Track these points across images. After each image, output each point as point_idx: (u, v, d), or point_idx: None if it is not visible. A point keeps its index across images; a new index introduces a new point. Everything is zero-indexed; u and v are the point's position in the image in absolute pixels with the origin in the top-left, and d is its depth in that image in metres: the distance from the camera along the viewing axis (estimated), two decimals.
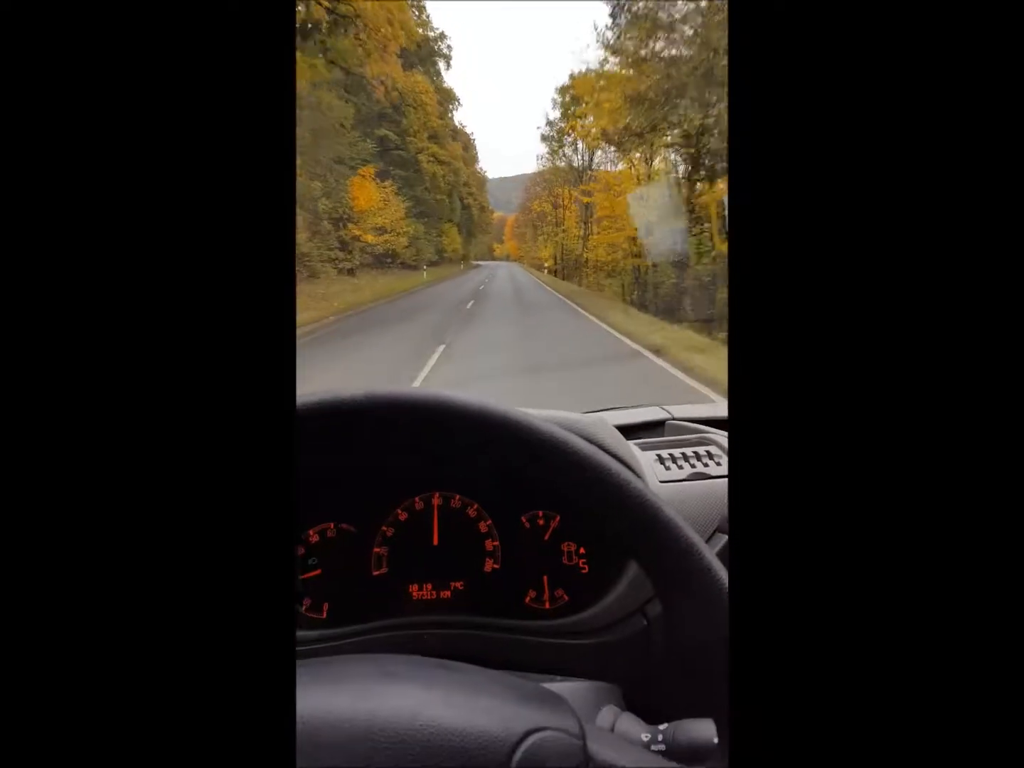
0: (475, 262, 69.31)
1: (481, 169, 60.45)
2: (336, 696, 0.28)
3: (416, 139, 28.53)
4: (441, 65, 32.01)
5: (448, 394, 0.34)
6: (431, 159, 29.36)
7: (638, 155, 16.19)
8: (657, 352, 6.73)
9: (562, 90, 28.84)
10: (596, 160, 29.47)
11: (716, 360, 5.70)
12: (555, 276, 35.27)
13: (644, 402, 0.99)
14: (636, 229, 13.07)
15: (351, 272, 19.94)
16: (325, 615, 0.58)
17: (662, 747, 0.34)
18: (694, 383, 5.18)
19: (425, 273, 26.78)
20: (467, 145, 49.53)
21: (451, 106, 33.41)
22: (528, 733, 0.27)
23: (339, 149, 18.69)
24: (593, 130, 20.81)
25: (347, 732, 0.26)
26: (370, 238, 20.57)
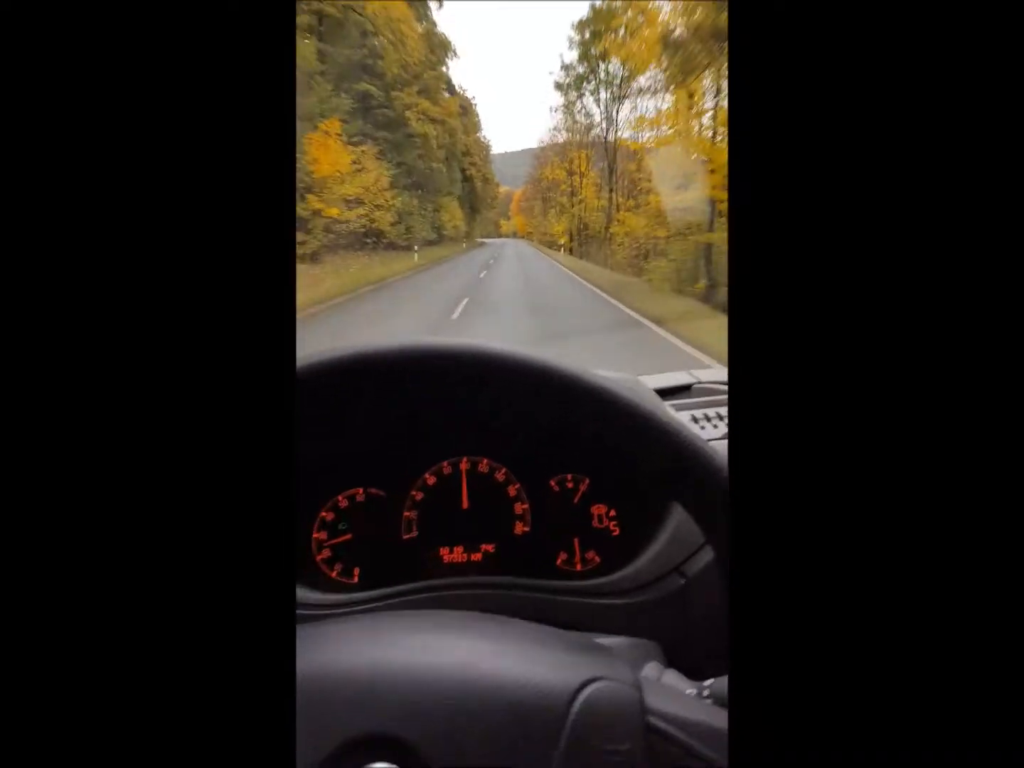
0: (480, 239, 64.30)
1: (484, 138, 54.90)
2: (393, 649, 0.28)
3: (403, 94, 23.44)
4: (433, 5, 26.69)
5: (489, 344, 0.33)
6: (421, 117, 24.24)
7: (706, 81, 11.23)
8: None
9: (580, 25, 23.61)
10: (623, 114, 24.25)
11: None
12: (571, 255, 30.23)
13: None
14: (717, 188, 8.38)
15: (313, 257, 15.26)
16: (356, 579, 0.58)
17: (708, 702, 0.33)
18: None
19: (417, 255, 22.01)
20: (467, 108, 44.07)
21: (445, 56, 28.06)
22: (585, 683, 0.27)
23: (308, 105, 14.09)
24: (641, 40, 15.02)
25: (406, 685, 0.26)
26: (335, 212, 15.77)
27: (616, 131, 23.55)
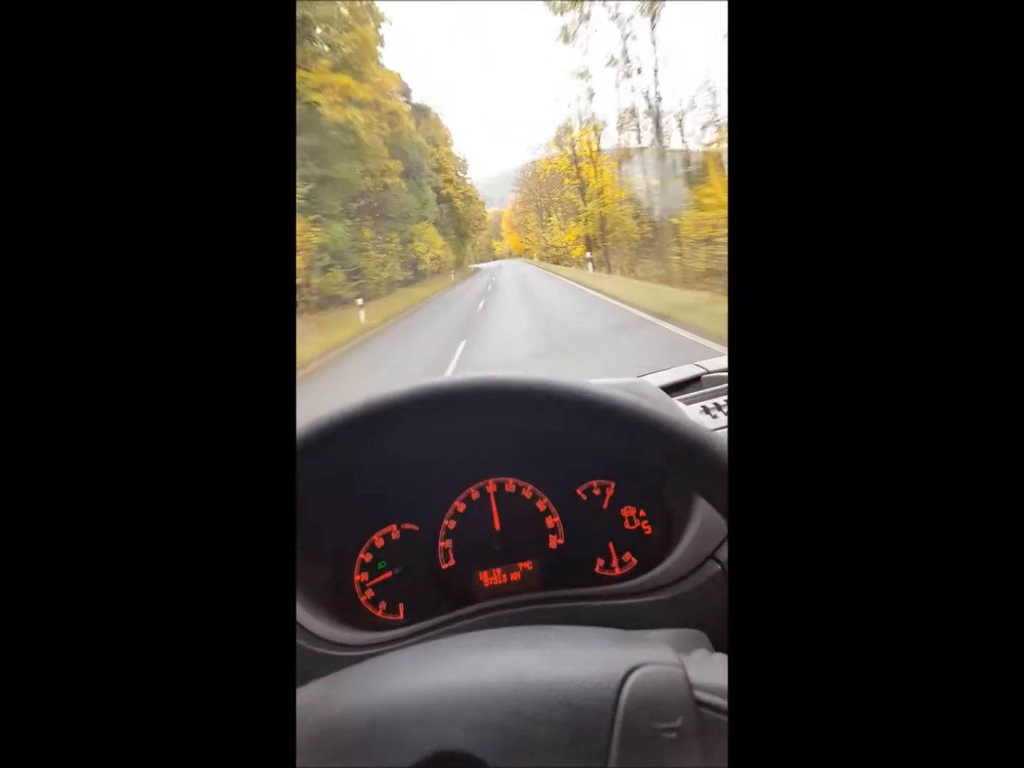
0: (474, 266, 56.09)
1: (459, 153, 46.64)
2: (443, 674, 0.29)
3: (311, 73, 14.99)
4: None
5: (490, 374, 0.34)
6: (338, 100, 15.65)
7: None
8: None
9: None
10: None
11: None
12: (606, 271, 21.31)
13: None
14: None
15: None
16: (402, 615, 0.59)
17: None
18: None
19: (363, 312, 13.34)
20: (424, 110, 35.83)
21: (374, 21, 19.58)
22: (630, 671, 0.28)
23: None
24: None
25: (464, 701, 0.27)
26: None
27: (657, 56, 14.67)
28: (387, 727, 0.27)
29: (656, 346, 5.95)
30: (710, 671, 0.30)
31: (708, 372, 0.90)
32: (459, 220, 40.49)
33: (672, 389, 0.87)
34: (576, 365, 5.29)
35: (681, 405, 0.74)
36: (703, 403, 0.76)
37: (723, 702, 0.28)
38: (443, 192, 35.02)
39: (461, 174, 42.42)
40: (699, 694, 0.28)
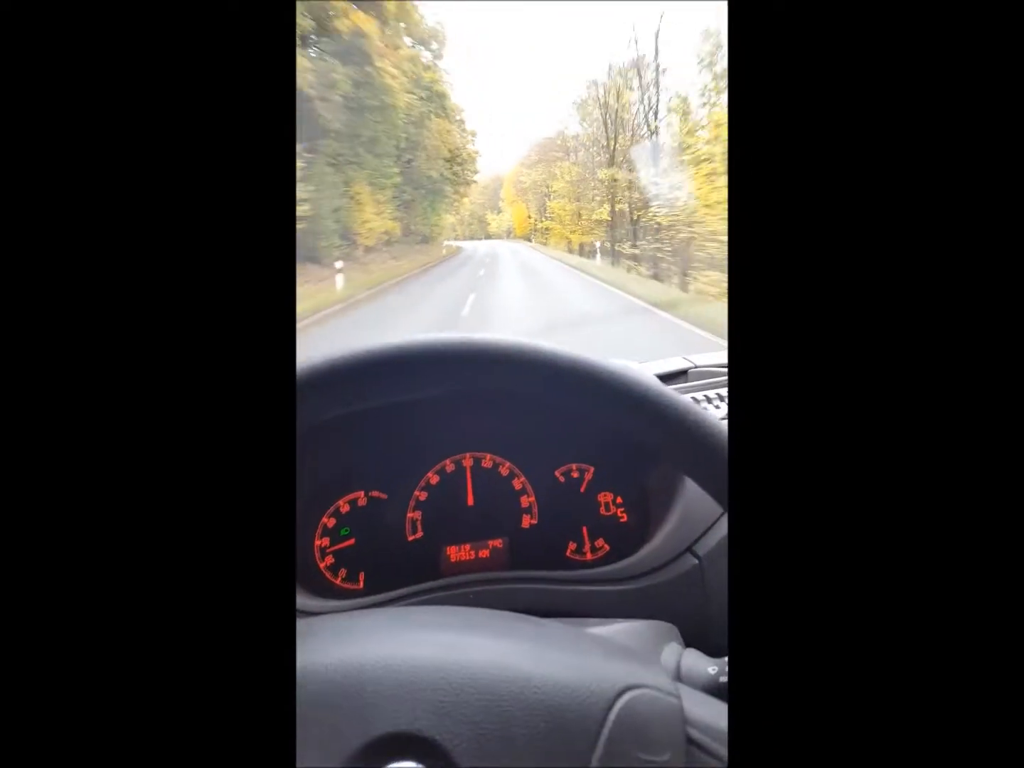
0: (454, 243, 42.62)
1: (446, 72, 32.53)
2: (420, 646, 0.28)
3: None
4: None
5: (486, 336, 0.33)
6: None
7: None
8: None
9: None
10: None
11: None
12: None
13: None
14: None
15: None
16: (362, 585, 0.58)
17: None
18: None
19: None
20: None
21: None
22: (624, 690, 0.26)
23: None
24: None
25: (431, 685, 0.25)
26: None
27: None
28: (349, 695, 0.25)
29: None
30: (709, 708, 0.28)
31: (696, 367, 0.89)
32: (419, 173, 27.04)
33: (660, 380, 0.86)
34: None
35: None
36: (693, 395, 0.73)
37: (719, 747, 0.26)
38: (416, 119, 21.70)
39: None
40: (693, 732, 0.27)
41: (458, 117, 29.93)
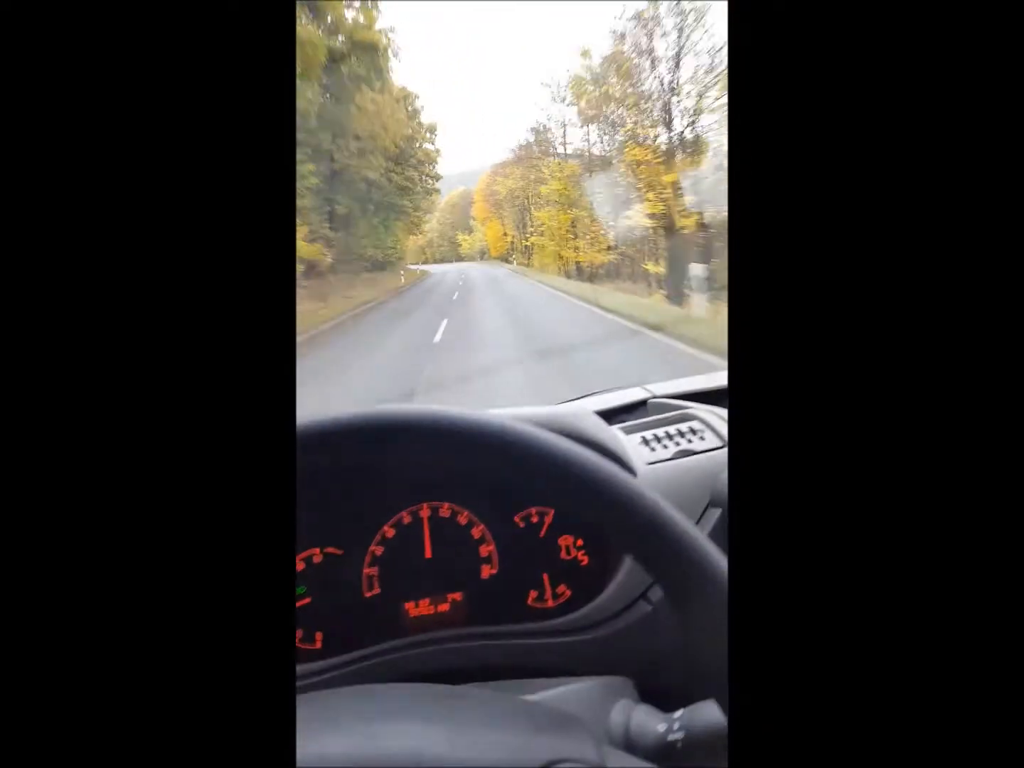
0: (417, 267, 35.96)
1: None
2: (334, 739, 0.27)
3: None
4: None
5: (441, 411, 0.32)
6: None
7: None
8: None
9: None
10: None
11: None
12: None
13: None
14: None
15: None
16: (320, 645, 0.56)
17: (680, 735, 0.33)
18: None
19: None
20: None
21: None
22: (546, 767, 0.26)
23: None
24: None
25: None
26: None
27: None
28: None
29: None
30: None
31: (654, 396, 0.87)
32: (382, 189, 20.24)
33: (613, 414, 0.83)
34: None
35: (620, 434, 0.69)
36: (643, 433, 0.71)
37: None
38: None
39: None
40: None
41: (410, 105, 23.33)
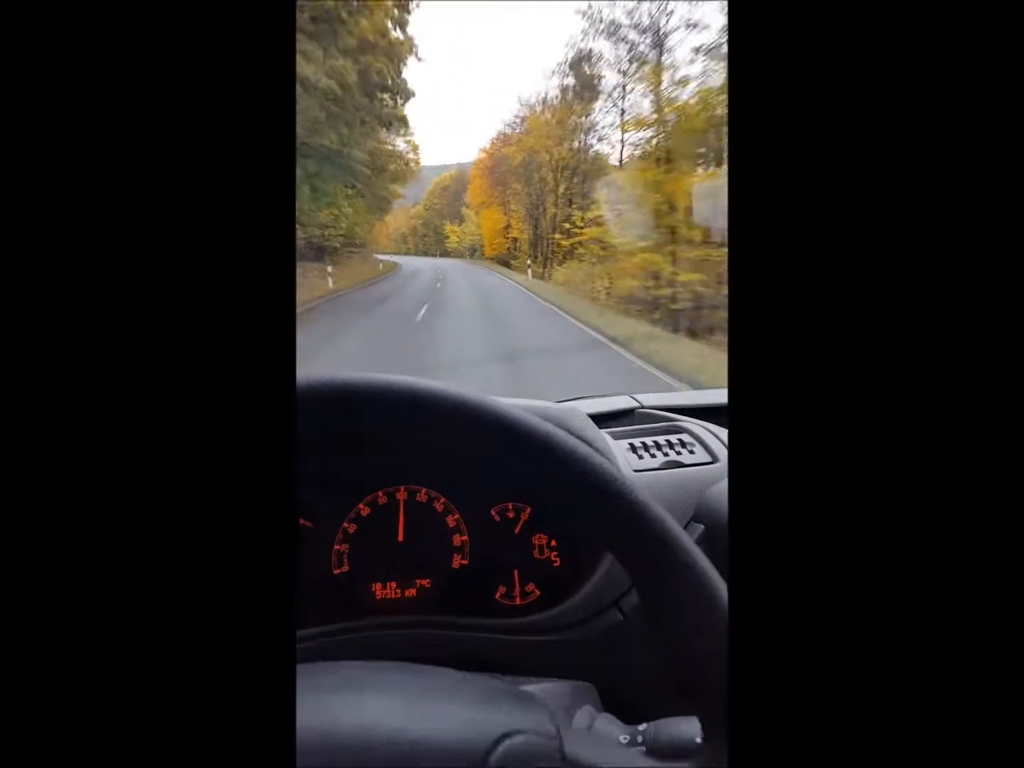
0: (386, 257, 25.95)
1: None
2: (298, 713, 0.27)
3: None
4: None
5: (422, 383, 0.32)
6: None
7: None
8: None
9: None
10: None
11: None
12: None
13: None
14: None
15: None
16: None
17: (642, 748, 0.32)
18: None
19: None
20: None
21: None
22: (500, 739, 0.26)
23: None
24: None
25: (303, 750, 0.24)
26: None
27: None
28: None
29: None
30: (586, 745, 0.29)
31: (643, 407, 0.86)
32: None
33: (601, 419, 0.80)
34: None
35: (608, 438, 0.68)
36: (631, 440, 0.70)
37: None
38: None
39: None
40: None
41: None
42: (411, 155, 25.10)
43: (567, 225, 16.73)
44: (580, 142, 18.04)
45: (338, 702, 0.27)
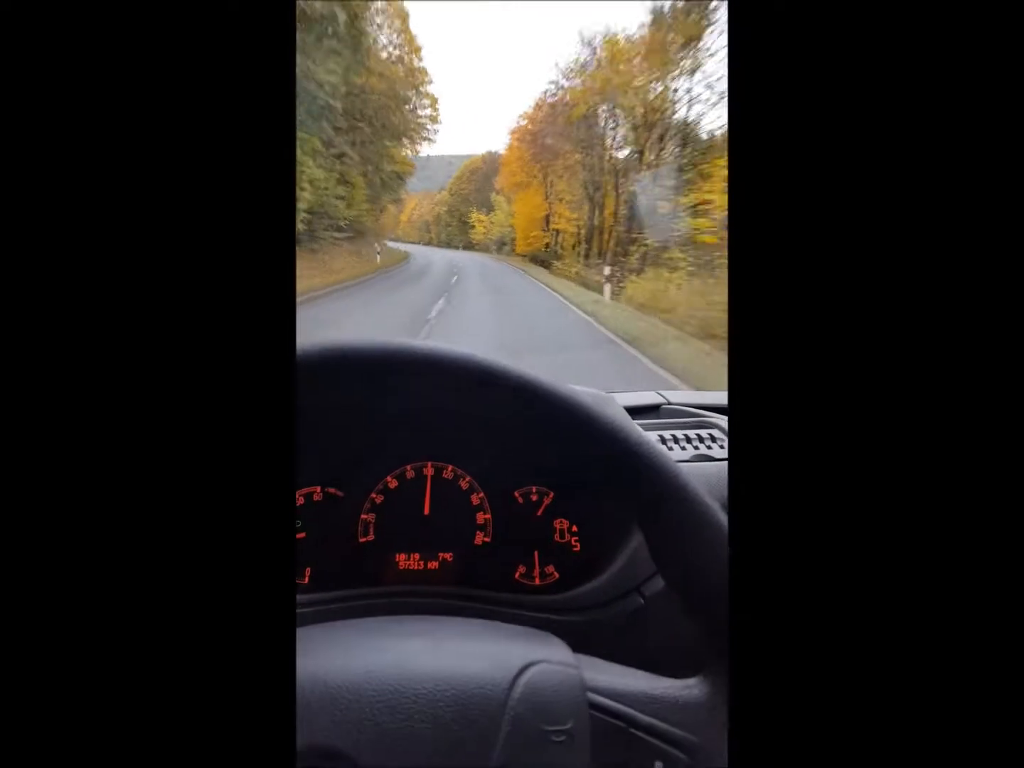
0: (398, 245, 20.08)
1: None
2: (316, 662, 0.28)
3: None
4: None
5: (470, 353, 0.33)
6: None
7: None
8: None
9: None
10: None
11: None
12: None
13: None
14: None
15: None
16: (307, 580, 0.57)
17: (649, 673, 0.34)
18: None
19: None
20: None
21: None
22: (523, 669, 0.28)
23: None
24: None
25: (329, 696, 0.26)
26: None
27: None
28: None
29: None
30: (608, 673, 0.30)
31: (669, 403, 0.87)
32: None
33: (630, 412, 0.79)
34: None
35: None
36: (660, 432, 0.72)
37: (618, 707, 0.28)
38: None
39: None
40: (593, 697, 0.28)
41: None
42: (428, 111, 19.15)
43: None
44: (678, 91, 11.95)
45: (365, 645, 0.29)
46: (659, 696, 0.30)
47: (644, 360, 5.02)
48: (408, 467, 0.59)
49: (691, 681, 0.32)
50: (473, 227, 38.41)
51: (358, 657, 0.28)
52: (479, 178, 41.62)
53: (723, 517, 0.31)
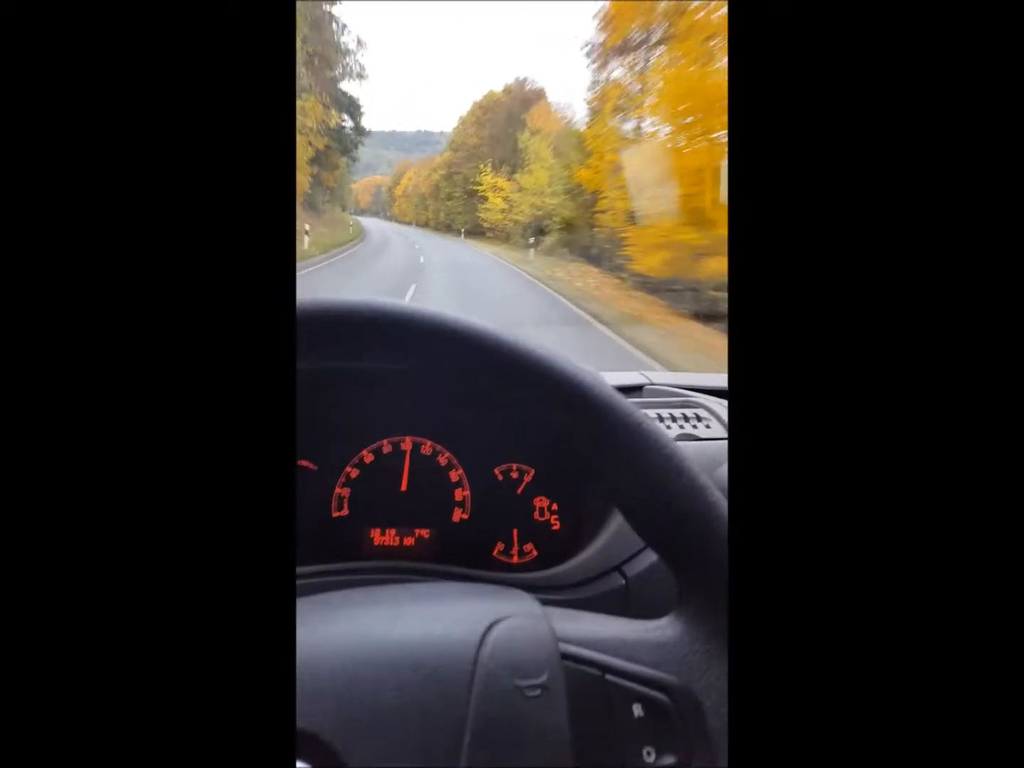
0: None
1: None
2: None
3: None
4: None
5: (452, 315, 0.31)
6: None
7: None
8: None
9: None
10: None
11: None
12: None
13: None
14: None
15: None
16: None
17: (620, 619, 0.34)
18: None
19: None
20: None
21: None
22: (491, 626, 0.27)
23: None
24: None
25: (300, 673, 0.25)
26: None
27: None
28: None
29: None
30: (578, 621, 0.30)
31: (652, 383, 0.87)
32: None
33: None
34: None
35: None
36: (646, 411, 0.70)
37: (591, 654, 0.27)
38: None
39: None
40: (565, 647, 0.27)
41: None
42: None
43: None
44: None
45: (325, 617, 0.29)
46: (632, 639, 0.29)
47: None
48: (385, 441, 0.58)
49: (663, 621, 0.31)
50: (485, 199, 23.11)
51: (316, 631, 0.27)
52: (500, 119, 26.52)
53: (719, 495, 0.31)
